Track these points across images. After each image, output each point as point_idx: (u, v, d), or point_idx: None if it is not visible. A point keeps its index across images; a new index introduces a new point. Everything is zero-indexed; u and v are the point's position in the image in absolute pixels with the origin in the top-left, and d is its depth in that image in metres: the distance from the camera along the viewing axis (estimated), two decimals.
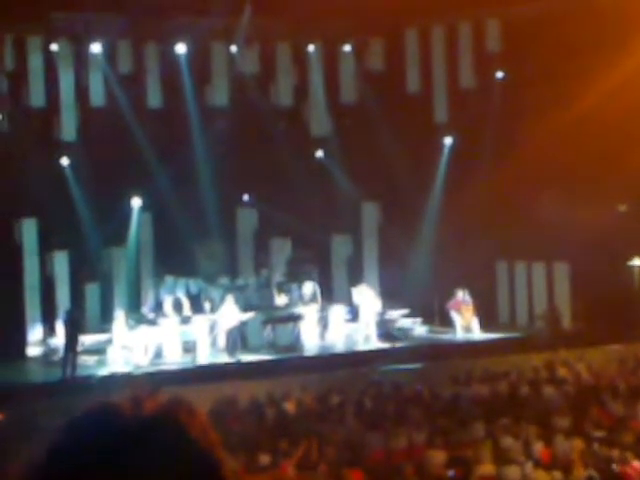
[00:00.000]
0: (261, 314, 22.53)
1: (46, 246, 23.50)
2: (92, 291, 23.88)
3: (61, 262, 23.72)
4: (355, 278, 25.17)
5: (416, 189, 26.13)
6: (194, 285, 23.68)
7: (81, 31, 23.71)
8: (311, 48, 26.03)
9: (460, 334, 23.58)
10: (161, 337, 21.11)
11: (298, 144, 25.69)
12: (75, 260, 23.69)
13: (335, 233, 26.36)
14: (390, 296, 24.31)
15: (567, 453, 12.42)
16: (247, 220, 25.76)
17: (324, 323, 23.27)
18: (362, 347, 22.72)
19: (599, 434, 13.36)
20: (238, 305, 21.75)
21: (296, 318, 22.74)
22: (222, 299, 21.97)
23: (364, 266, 26.42)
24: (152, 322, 21.42)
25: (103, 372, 20.17)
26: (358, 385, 17.40)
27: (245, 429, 14.23)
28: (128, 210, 24.40)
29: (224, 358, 21.23)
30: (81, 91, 24.02)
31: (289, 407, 15.99)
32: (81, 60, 23.94)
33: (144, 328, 21.05)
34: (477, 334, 23.54)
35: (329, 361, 21.38)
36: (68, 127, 23.88)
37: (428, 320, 24.52)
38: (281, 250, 25.67)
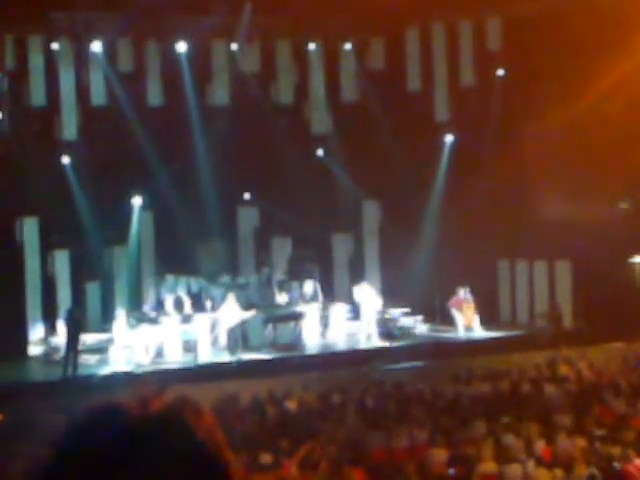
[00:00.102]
0: (262, 313, 22.50)
1: (47, 245, 23.50)
2: (93, 290, 23.88)
3: (62, 261, 23.72)
4: (356, 276, 25.14)
5: (417, 187, 26.12)
6: (195, 284, 23.67)
7: (81, 30, 23.70)
8: (312, 46, 26.02)
9: (461, 332, 23.58)
10: (162, 336, 21.09)
11: (299, 142, 25.68)
12: (76, 259, 23.68)
13: (336, 231, 26.35)
14: (391, 294, 24.30)
15: (569, 451, 12.41)
16: (248, 219, 25.75)
17: (325, 322, 23.26)
18: (363, 345, 22.73)
19: (601, 432, 13.35)
20: (239, 304, 21.71)
21: (297, 317, 22.74)
22: (223, 298, 21.95)
23: (365, 264, 26.41)
24: (153, 321, 21.41)
25: (104, 371, 20.16)
26: (359, 384, 17.38)
27: (246, 428, 14.20)
28: (129, 209, 24.39)
29: (225, 357, 21.21)
30: (82, 90, 24.01)
31: (290, 406, 15.96)
32: (81, 59, 23.94)
33: (145, 327, 21.03)
34: (478, 332, 23.53)
35: (330, 360, 21.37)
36: (69, 126, 23.87)
37: (429, 318, 24.51)
38: (282, 248, 25.65)
